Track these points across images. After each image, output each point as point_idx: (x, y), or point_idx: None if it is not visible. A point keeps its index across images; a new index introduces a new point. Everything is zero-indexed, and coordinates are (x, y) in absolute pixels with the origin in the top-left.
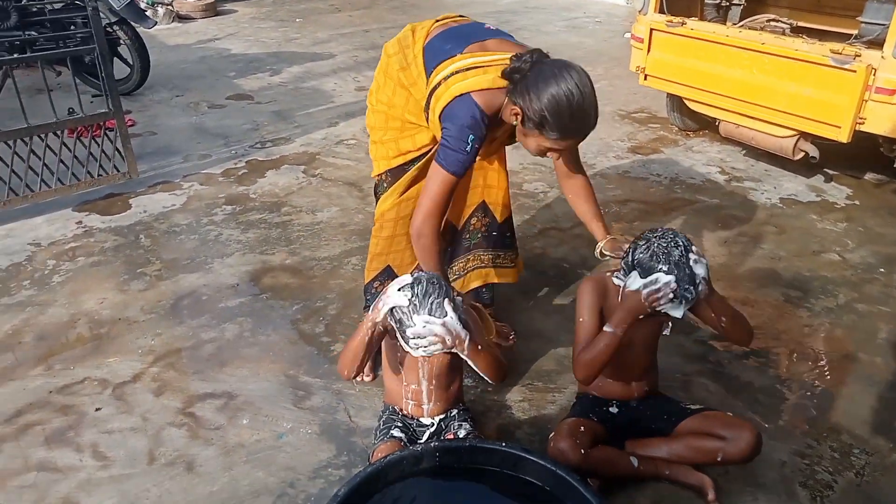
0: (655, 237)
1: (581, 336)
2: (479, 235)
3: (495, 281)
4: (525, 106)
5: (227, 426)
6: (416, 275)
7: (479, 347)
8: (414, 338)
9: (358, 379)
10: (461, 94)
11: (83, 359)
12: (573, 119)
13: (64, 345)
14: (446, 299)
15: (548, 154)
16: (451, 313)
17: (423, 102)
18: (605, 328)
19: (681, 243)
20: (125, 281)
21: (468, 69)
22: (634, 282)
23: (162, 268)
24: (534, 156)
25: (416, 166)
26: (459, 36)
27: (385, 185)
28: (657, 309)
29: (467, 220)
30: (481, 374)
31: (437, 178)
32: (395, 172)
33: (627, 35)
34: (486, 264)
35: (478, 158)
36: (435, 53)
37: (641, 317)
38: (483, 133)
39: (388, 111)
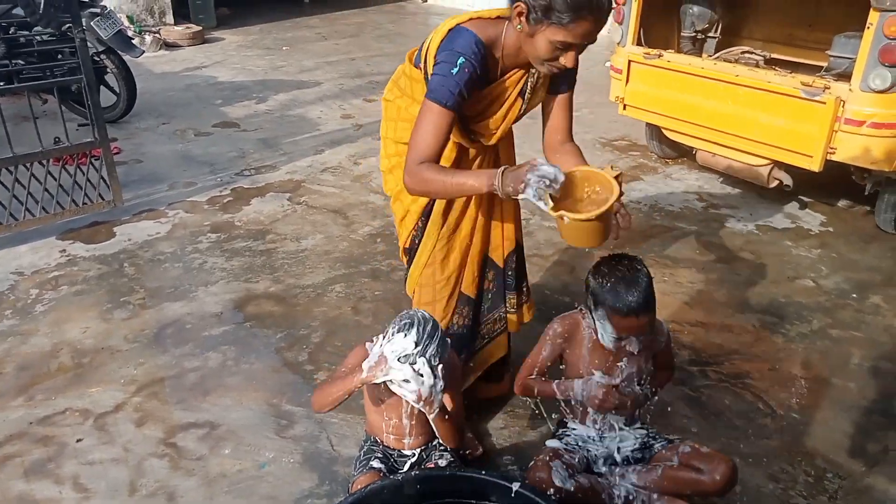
0: (618, 272)
1: (530, 361)
2: (512, 274)
3: (525, 320)
4: None
5: (209, 456)
6: (415, 322)
7: (445, 417)
8: (401, 381)
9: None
10: (453, 27)
11: (65, 389)
12: None
13: (45, 375)
14: (439, 363)
15: (560, 61)
16: (428, 377)
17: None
18: (556, 386)
19: (642, 280)
20: (108, 310)
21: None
22: (605, 331)
23: (146, 296)
24: (543, 69)
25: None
26: None
27: (418, 239)
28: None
29: (508, 257)
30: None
31: (424, 111)
32: (426, 215)
33: (608, 64)
34: (515, 308)
35: (490, 157)
36: (421, 46)
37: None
38: (476, 59)
39: (400, 158)
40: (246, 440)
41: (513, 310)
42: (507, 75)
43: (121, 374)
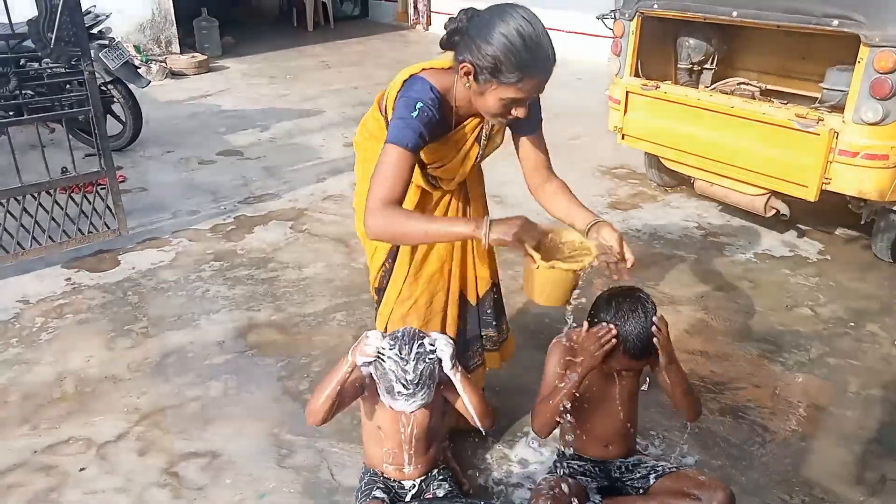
0: (621, 299)
1: (543, 391)
2: (490, 312)
3: (504, 362)
4: (475, 57)
5: (210, 486)
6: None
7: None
8: (405, 386)
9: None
10: (409, 77)
11: (68, 418)
12: (529, 52)
13: (49, 403)
14: (427, 348)
15: (512, 112)
16: (442, 346)
17: None
18: (559, 383)
19: (644, 307)
20: (112, 338)
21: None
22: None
23: (149, 325)
24: (496, 122)
25: None
26: None
27: (385, 279)
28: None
29: (485, 296)
30: (474, 417)
31: (384, 155)
32: (392, 256)
33: (607, 93)
34: (494, 345)
35: (458, 194)
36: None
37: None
38: (434, 104)
39: None
40: (246, 470)
41: (494, 347)
42: (464, 123)
43: (123, 403)
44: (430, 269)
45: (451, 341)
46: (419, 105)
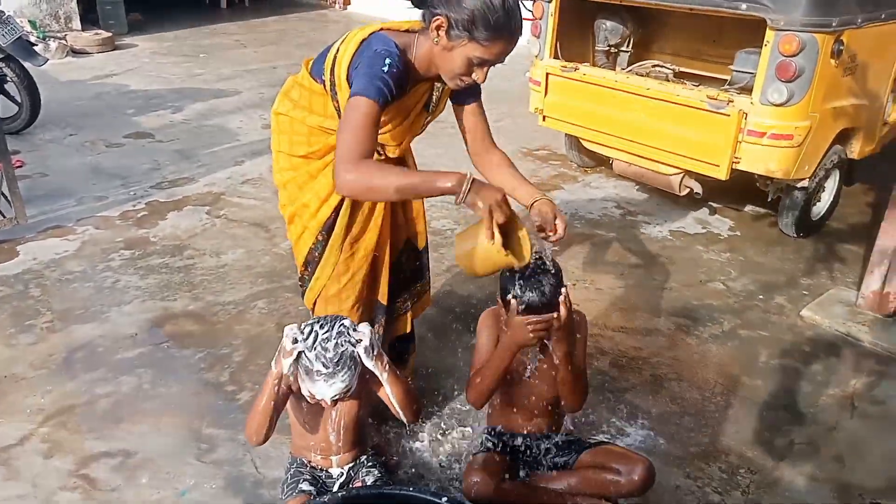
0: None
1: (476, 361)
2: (410, 271)
3: (421, 312)
4: (451, 10)
5: (125, 486)
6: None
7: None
8: (325, 365)
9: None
10: (369, 35)
11: None
12: (506, 15)
13: None
14: (349, 326)
15: (472, 75)
16: (364, 330)
17: (328, 98)
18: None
19: (545, 269)
20: (12, 335)
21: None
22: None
23: (53, 319)
24: (452, 84)
25: (341, 213)
26: None
27: (318, 251)
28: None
29: (398, 259)
30: (398, 410)
31: (353, 108)
32: (327, 229)
33: (527, 75)
34: (413, 300)
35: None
36: (319, 57)
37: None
38: (400, 62)
39: (295, 172)
40: (164, 467)
41: (427, 287)
42: (416, 87)
43: (26, 403)
44: (368, 242)
45: (371, 331)
46: (388, 61)
